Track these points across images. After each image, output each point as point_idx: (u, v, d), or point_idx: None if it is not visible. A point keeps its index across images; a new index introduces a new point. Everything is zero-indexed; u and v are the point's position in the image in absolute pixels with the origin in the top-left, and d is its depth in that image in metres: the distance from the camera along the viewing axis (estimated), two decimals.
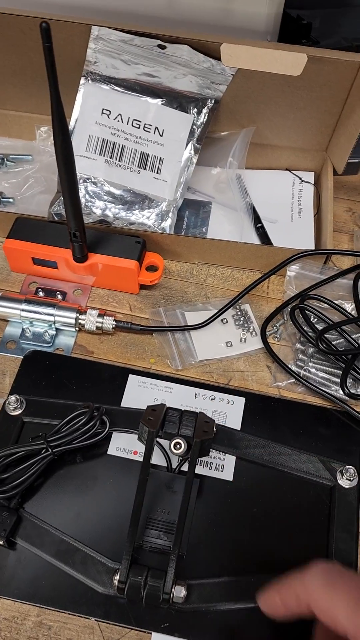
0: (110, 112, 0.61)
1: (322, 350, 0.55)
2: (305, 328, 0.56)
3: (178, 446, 0.45)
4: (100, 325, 0.56)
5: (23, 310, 0.56)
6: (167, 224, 0.63)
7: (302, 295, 0.58)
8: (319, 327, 0.56)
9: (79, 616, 0.44)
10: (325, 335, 0.55)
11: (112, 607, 0.44)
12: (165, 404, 0.48)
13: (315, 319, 0.58)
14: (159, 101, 0.61)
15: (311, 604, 0.35)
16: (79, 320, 0.56)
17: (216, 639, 0.43)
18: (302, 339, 0.58)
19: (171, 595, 0.42)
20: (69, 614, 0.44)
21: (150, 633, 0.44)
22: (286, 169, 0.70)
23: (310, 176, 0.70)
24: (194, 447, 0.43)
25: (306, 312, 0.57)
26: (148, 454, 0.44)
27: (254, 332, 0.58)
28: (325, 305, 0.59)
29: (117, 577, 0.42)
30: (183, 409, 0.49)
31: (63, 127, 0.44)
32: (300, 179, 0.69)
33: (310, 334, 0.56)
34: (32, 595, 0.44)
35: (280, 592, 0.38)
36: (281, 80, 0.59)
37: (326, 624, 0.34)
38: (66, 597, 0.44)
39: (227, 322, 0.59)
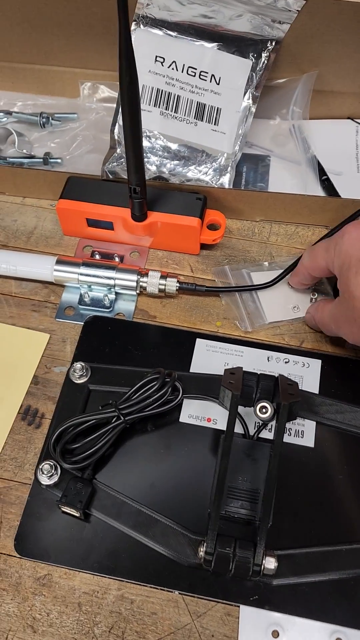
0: (164, 59, 0.57)
1: None
2: None
3: (264, 410, 0.42)
4: (163, 287, 0.53)
5: (81, 274, 0.53)
6: (226, 179, 0.59)
7: None
8: None
9: (161, 589, 0.42)
10: None
11: (196, 580, 0.42)
12: (242, 368, 0.45)
13: None
14: (215, 45, 0.57)
15: (304, 271, 0.50)
16: (140, 283, 0.53)
17: (308, 611, 0.41)
18: None
19: (262, 566, 0.39)
20: (151, 587, 0.42)
21: (239, 606, 0.41)
22: (348, 117, 0.66)
23: None
24: (282, 411, 0.40)
25: None
26: (232, 419, 0.41)
27: (326, 293, 0.54)
28: None
29: (203, 549, 0.40)
30: (259, 373, 0.46)
31: (131, 66, 0.40)
32: None
33: None
34: (112, 568, 0.42)
35: (295, 277, 0.53)
36: (351, 15, 0.54)
37: (315, 274, 0.50)
38: (148, 570, 0.42)
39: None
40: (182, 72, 0.57)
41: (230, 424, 0.41)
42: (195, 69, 0.57)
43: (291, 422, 0.47)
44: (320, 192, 0.61)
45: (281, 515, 0.44)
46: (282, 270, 0.54)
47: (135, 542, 0.43)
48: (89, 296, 0.54)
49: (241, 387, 0.43)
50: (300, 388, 0.49)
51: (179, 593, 0.42)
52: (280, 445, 0.40)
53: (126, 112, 0.43)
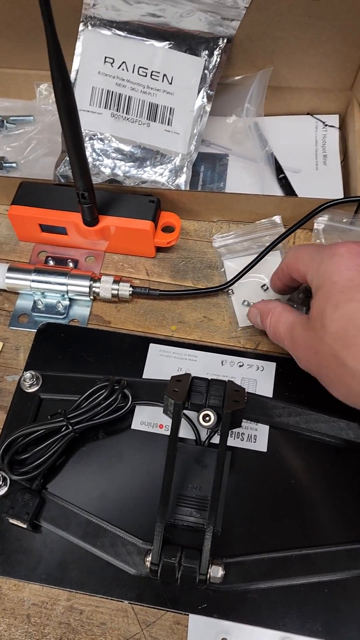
0: (113, 60, 0.56)
1: None
2: None
3: (207, 418, 0.41)
4: (116, 292, 0.53)
5: (33, 280, 0.53)
6: (182, 180, 0.58)
7: None
8: None
9: (111, 599, 0.42)
10: None
11: (145, 589, 0.41)
12: (190, 374, 0.45)
13: None
14: (166, 44, 0.56)
15: (285, 268, 0.45)
16: (93, 289, 0.53)
17: (257, 619, 0.41)
18: None
19: (208, 575, 0.39)
20: (100, 597, 0.42)
21: (187, 615, 0.41)
22: (307, 114, 0.65)
23: (334, 119, 0.64)
24: (225, 419, 0.40)
25: None
26: (175, 427, 0.40)
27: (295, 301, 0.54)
28: None
29: (149, 559, 0.39)
30: (210, 378, 0.46)
31: (62, 71, 0.39)
32: (324, 123, 0.64)
33: None
34: (61, 579, 0.42)
35: (275, 275, 0.48)
36: (300, 10, 0.53)
37: (294, 276, 0.44)
38: (97, 580, 0.42)
39: (267, 288, 0.55)
40: (133, 72, 0.56)
41: (173, 432, 0.40)
42: (147, 69, 0.56)
43: (245, 427, 0.47)
44: (277, 190, 0.60)
45: (232, 521, 0.43)
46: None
47: (85, 553, 0.43)
48: (42, 303, 0.54)
49: (186, 395, 0.42)
50: (254, 392, 0.49)
51: (129, 603, 0.42)
52: (224, 453, 0.40)
53: (64, 117, 0.43)
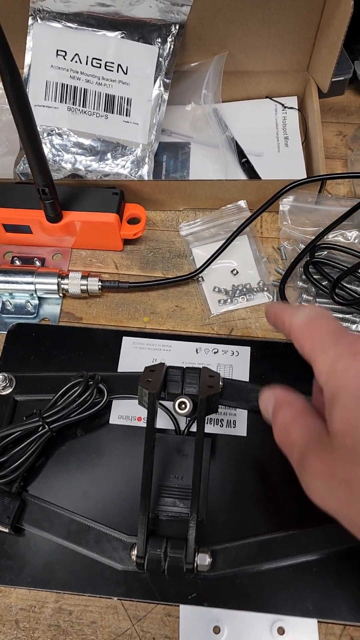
0: (65, 52, 0.55)
1: (339, 303, 0.50)
2: (322, 283, 0.52)
3: (183, 406, 0.41)
4: (85, 287, 0.52)
5: (0, 281, 0.52)
6: (145, 170, 0.57)
7: (312, 247, 0.53)
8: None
9: (100, 597, 0.41)
10: (342, 284, 0.50)
11: (134, 584, 0.41)
12: (164, 363, 0.44)
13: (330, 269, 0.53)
14: (118, 34, 0.55)
15: (292, 338, 0.34)
16: (62, 285, 0.52)
17: (247, 604, 0.40)
18: (303, 276, 0.53)
19: (195, 564, 0.38)
20: (89, 596, 0.41)
21: (178, 606, 0.41)
22: (266, 97, 0.64)
23: (293, 101, 0.64)
24: (200, 405, 0.39)
25: (319, 265, 0.52)
26: (151, 417, 0.40)
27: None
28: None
29: (134, 552, 0.39)
30: (185, 367, 0.45)
31: (9, 62, 0.38)
32: (283, 105, 0.64)
33: (324, 283, 0.51)
34: (48, 581, 0.41)
35: (275, 310, 0.37)
36: None
37: (299, 350, 0.33)
38: (84, 579, 0.41)
39: (237, 273, 0.55)
40: (87, 64, 0.55)
41: (150, 423, 0.40)
42: (100, 60, 0.56)
43: (223, 413, 0.47)
44: (241, 174, 0.60)
45: (216, 508, 0.43)
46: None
47: (70, 552, 0.42)
48: (11, 304, 0.53)
49: (161, 385, 0.42)
50: (230, 377, 0.49)
51: (118, 599, 0.41)
52: (202, 440, 0.39)
53: (16, 112, 0.42)
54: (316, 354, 0.32)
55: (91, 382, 0.45)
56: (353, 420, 0.28)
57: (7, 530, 0.42)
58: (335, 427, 0.29)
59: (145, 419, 0.46)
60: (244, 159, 0.60)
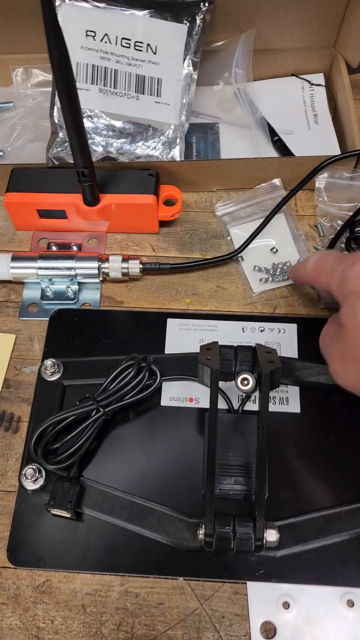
0: (95, 33, 0.54)
1: None
2: None
3: (245, 382, 0.41)
4: (126, 271, 0.51)
5: (40, 267, 0.51)
6: (176, 151, 0.57)
7: (352, 222, 0.53)
8: None
9: (165, 578, 0.41)
10: None
11: (199, 563, 0.41)
12: (217, 342, 0.44)
13: None
14: (146, 13, 0.54)
15: (311, 282, 0.45)
16: (102, 269, 0.51)
17: (316, 578, 0.40)
18: (344, 252, 0.53)
19: (264, 540, 0.38)
20: (154, 577, 0.41)
21: (245, 583, 0.40)
22: (291, 75, 0.64)
23: (319, 78, 0.63)
24: (264, 380, 0.39)
25: None
26: (215, 395, 0.39)
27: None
28: None
29: (201, 531, 0.39)
30: (236, 345, 0.45)
31: (58, 39, 0.37)
32: (310, 82, 0.63)
33: None
34: (112, 564, 0.41)
35: (293, 269, 0.48)
36: None
37: (317, 287, 0.47)
38: (149, 561, 0.41)
39: (276, 251, 0.54)
40: (116, 44, 0.55)
41: (213, 400, 0.39)
42: (129, 39, 0.55)
43: (275, 390, 0.47)
44: (273, 153, 0.59)
45: (277, 485, 0.43)
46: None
47: (132, 535, 0.41)
48: (51, 290, 0.52)
49: (219, 362, 0.41)
50: (278, 355, 0.48)
51: (184, 579, 0.41)
52: (267, 415, 0.39)
53: (61, 89, 0.41)
54: (329, 278, 0.40)
55: (143, 364, 0.44)
56: (353, 311, 0.36)
57: (69, 515, 0.41)
58: (343, 319, 0.38)
59: (198, 400, 0.46)
60: (276, 137, 0.59)
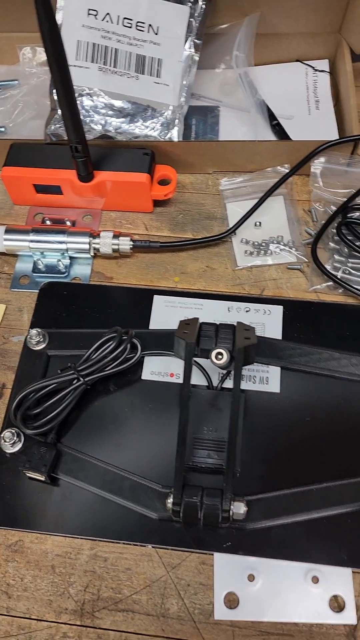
0: (97, 12, 0.55)
1: None
2: (355, 243, 0.51)
3: (220, 356, 0.41)
4: (116, 247, 0.52)
5: (32, 241, 0.52)
6: (175, 133, 0.57)
7: (345, 207, 0.53)
8: None
9: (134, 545, 0.42)
10: None
11: (168, 533, 0.41)
12: (198, 318, 0.45)
13: None
14: None
15: None
16: (93, 245, 0.52)
17: (282, 553, 0.41)
18: (335, 237, 0.53)
19: (230, 512, 0.39)
20: (124, 543, 0.42)
21: (212, 554, 0.41)
22: (296, 60, 0.64)
23: (323, 64, 0.63)
24: (238, 355, 0.39)
25: (352, 225, 0.52)
26: (188, 367, 0.40)
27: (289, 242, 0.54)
28: None
29: (170, 500, 0.39)
30: (218, 323, 0.45)
31: (47, 11, 0.38)
32: (314, 68, 0.63)
33: (357, 244, 0.51)
34: (83, 528, 0.42)
35: None
36: None
37: None
38: (119, 527, 0.42)
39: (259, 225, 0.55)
40: (118, 24, 0.55)
41: (187, 372, 0.40)
42: (131, 19, 0.55)
43: (256, 370, 0.47)
44: (271, 137, 0.59)
45: (251, 462, 0.43)
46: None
47: (105, 501, 0.42)
48: (42, 263, 0.53)
49: (196, 337, 0.42)
50: (263, 335, 0.49)
51: (152, 547, 0.42)
52: (239, 390, 0.40)
53: (52, 62, 0.42)
54: None
55: (125, 337, 0.45)
56: None
57: (43, 479, 0.42)
58: None
59: (179, 375, 0.47)
60: (275, 122, 0.59)
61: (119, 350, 0.45)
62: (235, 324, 0.45)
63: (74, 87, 0.55)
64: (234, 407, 0.40)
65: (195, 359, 0.46)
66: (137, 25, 0.55)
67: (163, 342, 0.48)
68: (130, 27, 0.55)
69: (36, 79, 0.63)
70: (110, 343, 0.45)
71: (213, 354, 0.41)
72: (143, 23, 0.56)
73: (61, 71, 0.42)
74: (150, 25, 0.56)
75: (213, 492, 0.39)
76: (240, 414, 0.44)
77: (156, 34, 0.56)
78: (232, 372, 0.46)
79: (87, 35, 0.55)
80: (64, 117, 0.46)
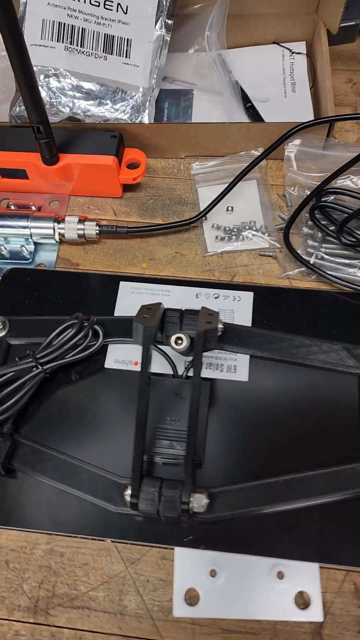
0: None
1: (346, 245, 0.48)
2: (329, 227, 0.49)
3: (179, 341, 0.39)
4: (82, 232, 0.50)
5: None
6: (145, 116, 0.55)
7: (319, 191, 0.51)
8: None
9: (92, 539, 0.40)
10: (348, 227, 0.48)
11: (128, 526, 0.40)
12: (161, 303, 0.43)
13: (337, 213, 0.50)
14: None
15: None
16: (58, 230, 0.50)
17: (246, 547, 0.39)
18: (308, 222, 0.51)
19: (191, 505, 0.37)
20: (81, 537, 0.40)
21: (173, 548, 0.39)
22: (273, 42, 0.62)
23: (301, 46, 0.62)
24: (198, 340, 0.38)
25: (326, 209, 0.50)
26: (146, 352, 0.38)
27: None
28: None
29: (128, 492, 0.38)
30: (184, 309, 0.43)
31: None
32: (290, 50, 0.61)
33: (331, 229, 0.49)
34: (39, 522, 0.40)
35: None
36: None
37: None
38: (76, 521, 0.40)
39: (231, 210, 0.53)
40: (85, 2, 0.53)
41: (144, 358, 0.38)
42: None
43: (224, 358, 0.45)
44: (245, 120, 0.57)
45: (216, 453, 0.41)
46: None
47: (62, 493, 0.41)
48: (6, 249, 0.52)
49: (160, 323, 0.40)
50: (232, 322, 0.47)
51: (111, 541, 0.40)
52: (199, 376, 0.38)
53: (7, 39, 0.40)
54: None
55: (86, 324, 0.43)
56: None
57: None
58: None
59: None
60: (249, 104, 0.57)
61: (80, 337, 0.43)
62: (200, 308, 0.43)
63: (40, 67, 0.54)
64: (195, 394, 0.38)
65: (160, 347, 0.44)
66: (105, 4, 0.54)
67: (127, 329, 0.46)
68: (98, 6, 0.54)
69: (5, 61, 0.61)
70: (70, 330, 0.43)
71: (172, 339, 0.40)
72: (111, 2, 0.54)
73: (16, 46, 0.40)
74: (119, 3, 0.54)
75: (173, 483, 0.38)
76: (205, 403, 0.42)
77: (125, 13, 0.54)
78: (205, 362, 0.45)
79: (53, 13, 0.53)
80: (23, 97, 0.44)
